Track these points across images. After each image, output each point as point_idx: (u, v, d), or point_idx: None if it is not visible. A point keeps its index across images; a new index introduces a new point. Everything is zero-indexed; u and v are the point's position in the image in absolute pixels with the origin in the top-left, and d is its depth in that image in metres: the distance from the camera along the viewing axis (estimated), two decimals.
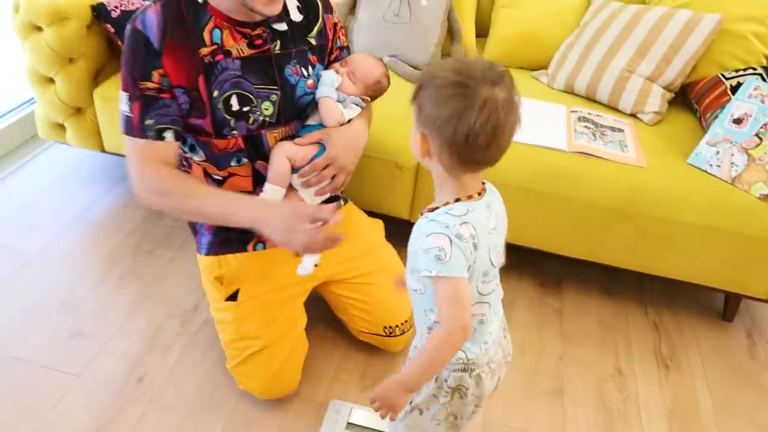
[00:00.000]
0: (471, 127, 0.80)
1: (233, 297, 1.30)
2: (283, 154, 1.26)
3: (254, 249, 1.33)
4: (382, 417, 0.94)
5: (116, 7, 1.67)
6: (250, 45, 1.20)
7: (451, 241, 0.83)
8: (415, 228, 0.89)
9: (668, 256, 1.59)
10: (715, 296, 1.82)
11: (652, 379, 1.56)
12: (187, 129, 1.20)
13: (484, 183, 0.93)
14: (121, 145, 1.78)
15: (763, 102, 1.58)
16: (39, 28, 1.63)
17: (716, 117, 1.65)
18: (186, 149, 1.26)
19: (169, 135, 1.16)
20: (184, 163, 1.30)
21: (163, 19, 1.12)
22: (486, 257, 0.89)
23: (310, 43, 1.30)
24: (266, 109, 1.24)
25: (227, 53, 1.18)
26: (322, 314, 1.52)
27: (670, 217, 1.53)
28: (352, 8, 2.02)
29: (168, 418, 1.33)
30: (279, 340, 1.31)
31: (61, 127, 1.82)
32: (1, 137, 2.07)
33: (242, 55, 1.19)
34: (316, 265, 1.29)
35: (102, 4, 1.66)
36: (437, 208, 0.88)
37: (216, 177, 1.28)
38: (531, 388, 1.49)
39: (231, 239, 1.32)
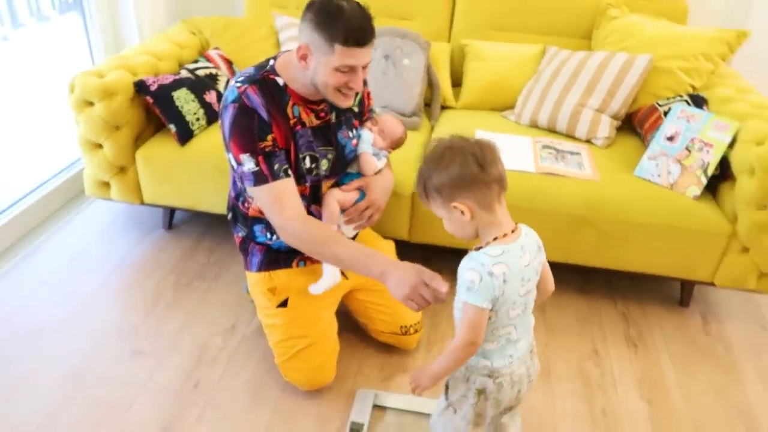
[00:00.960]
0: (477, 158, 1.08)
1: (284, 304, 1.59)
2: (334, 199, 1.58)
3: (297, 266, 1.63)
4: (413, 392, 1.21)
5: (154, 82, 2.02)
6: (317, 117, 1.52)
7: (481, 277, 1.08)
8: (461, 262, 1.13)
9: (627, 252, 1.91)
10: (673, 286, 2.14)
11: (623, 357, 1.85)
12: None
13: (518, 225, 1.16)
14: (158, 196, 2.11)
15: (688, 122, 1.95)
16: (91, 103, 1.96)
17: (654, 137, 2.01)
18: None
19: (290, 173, 1.45)
20: (247, 202, 1.58)
21: (264, 99, 1.41)
22: (516, 289, 1.12)
23: (354, 111, 1.63)
24: (323, 165, 1.55)
25: (303, 124, 1.49)
26: (344, 324, 1.79)
27: (623, 219, 1.86)
28: None
29: (223, 414, 1.59)
30: (321, 339, 1.60)
31: (106, 184, 2.13)
32: (51, 197, 2.37)
33: (312, 125, 1.51)
34: (325, 290, 1.60)
35: (142, 81, 2.01)
36: (481, 247, 1.13)
37: None
38: None
39: (279, 258, 1.62)
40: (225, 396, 1.64)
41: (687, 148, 1.92)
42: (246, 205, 1.59)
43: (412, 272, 1.30)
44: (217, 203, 2.09)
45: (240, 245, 1.68)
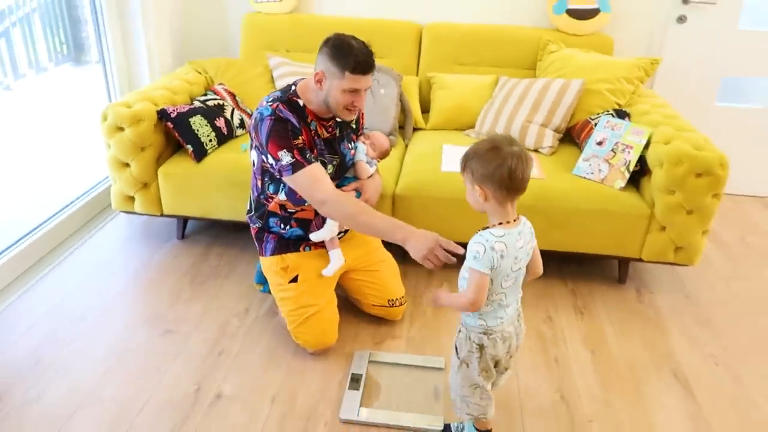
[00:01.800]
0: (510, 168, 1.34)
1: (294, 280, 1.96)
2: None
3: (304, 250, 2.01)
4: (433, 303, 1.55)
5: (173, 111, 2.41)
6: (326, 131, 1.93)
7: (485, 249, 1.38)
8: (470, 240, 1.43)
9: (570, 235, 2.33)
10: (612, 267, 2.56)
11: (572, 321, 2.25)
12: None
13: (520, 216, 1.45)
14: (176, 207, 2.47)
15: (613, 129, 2.41)
16: (121, 129, 2.34)
17: (587, 143, 2.47)
18: (272, 190, 1.92)
19: (318, 160, 1.83)
20: (268, 200, 1.95)
21: (292, 113, 1.81)
22: (509, 264, 1.42)
23: (352, 128, 2.04)
24: (329, 169, 1.93)
25: (319, 135, 1.90)
26: (342, 303, 2.13)
27: (565, 207, 2.29)
28: None
29: (245, 374, 1.92)
30: (326, 307, 1.97)
31: (131, 199, 2.49)
32: (81, 212, 2.73)
33: (324, 137, 1.92)
34: (333, 271, 1.98)
35: (164, 109, 2.40)
36: (487, 227, 1.43)
37: (290, 210, 1.95)
38: None
39: (289, 244, 2.00)
40: (245, 360, 1.98)
41: (612, 150, 2.37)
42: (268, 201, 1.96)
43: (430, 237, 1.62)
44: (226, 211, 2.45)
45: (256, 234, 2.05)
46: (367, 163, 2.06)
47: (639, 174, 2.37)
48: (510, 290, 1.49)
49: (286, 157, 1.78)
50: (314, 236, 1.98)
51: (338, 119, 1.95)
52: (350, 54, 1.74)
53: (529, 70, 2.98)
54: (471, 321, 1.51)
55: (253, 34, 3.10)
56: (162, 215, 2.53)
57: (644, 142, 2.32)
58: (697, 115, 3.11)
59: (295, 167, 1.78)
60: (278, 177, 1.85)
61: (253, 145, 1.88)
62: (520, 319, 1.58)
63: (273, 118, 1.79)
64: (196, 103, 2.56)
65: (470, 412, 1.59)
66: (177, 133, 2.41)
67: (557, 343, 2.13)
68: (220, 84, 2.78)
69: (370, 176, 2.06)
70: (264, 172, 1.91)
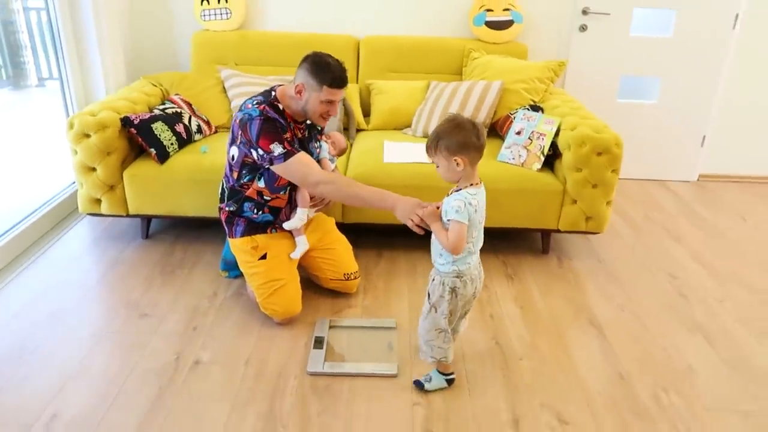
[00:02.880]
0: (477, 133, 1.68)
1: (263, 257, 2.22)
2: (306, 191, 2.24)
3: (271, 232, 2.27)
4: (417, 229, 1.84)
5: (136, 117, 2.62)
6: (300, 132, 2.20)
7: (465, 204, 1.67)
8: (446, 197, 1.74)
9: (497, 213, 2.68)
10: (536, 240, 2.94)
11: (503, 286, 2.59)
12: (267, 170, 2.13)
13: (480, 181, 1.76)
14: (141, 207, 2.67)
15: (528, 121, 2.80)
16: (88, 135, 2.53)
17: (508, 134, 2.85)
18: (249, 178, 2.16)
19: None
20: (244, 187, 2.19)
21: (276, 114, 2.07)
22: (478, 218, 1.74)
23: (317, 129, 2.32)
24: None
25: (295, 135, 2.16)
26: (303, 282, 2.40)
27: (491, 188, 2.59)
28: None
29: (219, 343, 2.14)
30: (292, 281, 2.23)
31: (98, 201, 2.67)
32: (47, 217, 2.89)
33: (298, 137, 2.18)
34: (299, 255, 2.26)
35: (127, 116, 2.61)
36: (460, 189, 1.73)
37: (266, 197, 2.20)
38: None
39: (258, 227, 2.25)
40: (219, 332, 2.20)
41: (529, 138, 2.76)
42: (244, 188, 2.20)
43: (412, 201, 1.91)
44: (190, 207, 2.68)
45: (226, 219, 2.29)
46: (329, 160, 2.36)
47: (552, 157, 2.76)
48: (476, 240, 1.80)
49: (278, 149, 2.04)
50: (287, 225, 2.25)
51: (307, 122, 2.24)
52: (328, 70, 2.03)
53: (456, 75, 3.36)
54: (445, 268, 1.80)
55: (203, 49, 3.35)
56: (128, 215, 2.72)
57: (555, 129, 2.72)
58: (602, 111, 3.57)
59: (287, 156, 2.05)
60: (266, 167, 2.10)
61: (237, 142, 2.13)
62: (480, 265, 1.90)
63: (262, 118, 2.05)
64: (156, 111, 2.78)
65: (434, 355, 1.89)
66: (140, 138, 2.62)
67: (491, 303, 2.46)
68: (177, 94, 3.00)
69: (332, 171, 2.36)
70: (243, 165, 2.16)
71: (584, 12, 3.49)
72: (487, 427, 1.80)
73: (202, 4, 3.37)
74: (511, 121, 2.93)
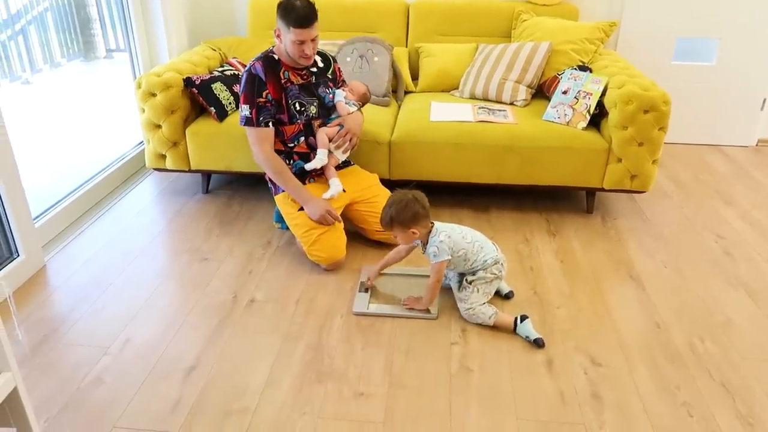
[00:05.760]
0: (420, 203, 1.98)
1: (302, 208, 2.36)
2: (324, 133, 2.41)
3: (309, 182, 2.45)
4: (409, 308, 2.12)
5: (197, 78, 2.80)
6: (301, 78, 2.36)
7: (437, 248, 2.01)
8: (423, 253, 2.08)
9: (541, 170, 2.73)
10: (581, 199, 2.96)
11: (545, 241, 2.65)
12: (275, 122, 2.32)
13: (431, 223, 2.05)
14: (202, 162, 2.86)
15: (575, 80, 2.81)
16: (154, 94, 2.73)
17: (554, 93, 2.87)
18: None
19: (270, 125, 2.29)
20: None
21: (263, 68, 2.27)
22: (457, 235, 2.05)
23: (328, 77, 2.47)
24: (312, 110, 2.38)
25: (292, 82, 2.32)
26: (351, 234, 2.53)
27: (536, 146, 2.69)
28: None
29: (272, 285, 2.31)
30: (334, 228, 2.37)
31: (162, 157, 2.88)
32: (118, 172, 3.14)
33: (298, 83, 2.34)
34: (332, 197, 2.39)
35: (189, 77, 2.79)
36: (425, 243, 2.06)
37: (289, 145, 2.40)
38: None
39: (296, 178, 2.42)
40: (271, 276, 2.37)
41: (575, 97, 2.77)
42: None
43: (323, 203, 2.30)
44: (245, 164, 2.84)
45: (269, 179, 2.46)
46: (346, 104, 2.49)
47: (598, 116, 2.77)
48: (479, 236, 2.12)
49: (245, 110, 2.30)
50: (308, 166, 2.42)
51: (312, 69, 2.42)
52: (292, 11, 2.20)
53: (505, 38, 3.38)
54: (487, 260, 2.09)
55: (259, 15, 3.49)
56: (190, 170, 2.92)
57: (601, 89, 2.72)
58: (656, 74, 3.52)
59: (247, 122, 2.32)
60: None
61: None
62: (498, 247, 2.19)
63: (248, 73, 2.29)
64: (216, 73, 2.95)
65: (486, 319, 2.07)
66: (201, 98, 2.80)
67: (532, 256, 2.53)
68: (234, 58, 3.17)
69: (351, 114, 2.49)
70: None
71: None
72: (522, 366, 1.89)
73: None
74: (559, 81, 2.94)
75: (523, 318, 2.02)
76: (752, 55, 3.58)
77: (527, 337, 1.99)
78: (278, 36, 2.29)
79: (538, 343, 1.97)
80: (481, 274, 2.08)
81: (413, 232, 2.01)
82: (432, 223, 2.06)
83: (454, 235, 2.05)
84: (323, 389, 1.79)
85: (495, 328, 2.05)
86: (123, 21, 3.30)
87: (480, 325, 2.06)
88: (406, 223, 2.00)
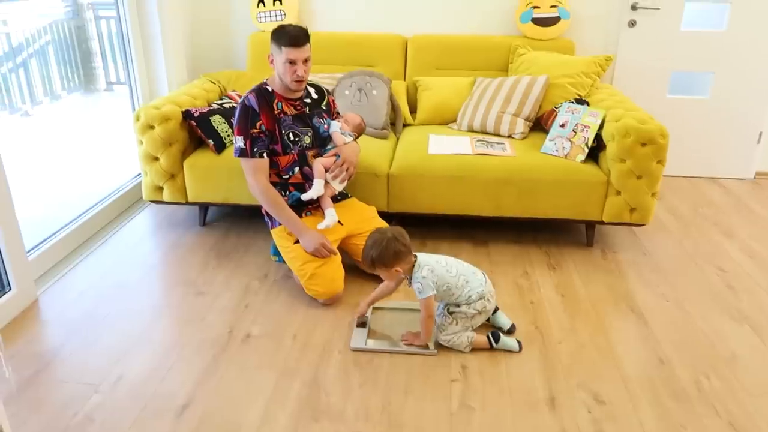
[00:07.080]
0: (401, 240, 1.96)
1: (298, 241, 2.34)
2: (320, 163, 2.40)
3: (305, 215, 2.44)
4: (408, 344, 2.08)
5: (196, 111, 2.81)
6: (295, 108, 2.37)
7: (421, 284, 1.98)
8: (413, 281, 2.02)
9: (539, 203, 2.72)
10: (580, 232, 2.95)
11: (545, 274, 2.62)
12: (269, 153, 2.32)
13: (414, 257, 2.02)
14: (199, 195, 2.84)
15: (573, 113, 2.83)
16: (152, 127, 2.73)
17: (552, 126, 2.88)
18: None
19: (264, 156, 2.29)
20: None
21: (257, 99, 2.29)
22: (441, 268, 2.02)
23: (323, 108, 2.48)
24: (306, 140, 2.39)
25: (285, 113, 2.33)
26: (349, 268, 2.50)
27: (534, 178, 2.68)
28: None
29: (269, 319, 2.27)
30: (331, 261, 2.34)
31: (160, 189, 2.86)
32: (115, 204, 3.12)
33: (292, 113, 2.35)
34: (327, 227, 2.37)
35: (188, 110, 2.79)
36: (411, 274, 2.01)
37: (284, 177, 2.39)
38: None
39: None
40: (268, 310, 2.33)
41: (573, 131, 2.78)
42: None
43: (316, 236, 2.29)
44: (243, 196, 2.83)
45: (266, 212, 2.45)
46: (342, 134, 2.51)
47: (596, 149, 2.78)
48: (467, 268, 2.09)
49: (239, 142, 2.34)
50: (305, 196, 2.41)
51: (306, 100, 2.44)
52: (284, 33, 2.26)
53: (502, 71, 3.41)
54: (472, 295, 2.06)
55: (259, 49, 3.52)
56: (187, 203, 2.90)
57: (599, 122, 2.73)
58: (652, 107, 3.54)
59: (241, 153, 2.34)
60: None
61: None
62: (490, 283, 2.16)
63: (242, 105, 2.33)
64: (214, 106, 2.96)
65: (463, 347, 2.06)
66: (199, 130, 2.80)
67: (532, 290, 2.50)
68: (233, 90, 3.18)
69: (347, 144, 2.50)
70: None
71: (633, 7, 3.48)
72: (523, 403, 1.84)
73: (258, 6, 3.55)
74: (556, 114, 2.96)
75: (496, 337, 2.08)
76: (746, 89, 3.61)
77: (506, 345, 2.09)
78: (272, 61, 2.33)
79: (510, 331, 2.17)
80: (464, 308, 2.06)
81: (397, 270, 1.99)
82: (415, 256, 2.03)
83: (438, 269, 2.01)
84: (319, 428, 1.73)
85: (493, 359, 2.03)
86: (124, 54, 3.32)
87: (480, 360, 2.02)
88: (388, 262, 1.97)
